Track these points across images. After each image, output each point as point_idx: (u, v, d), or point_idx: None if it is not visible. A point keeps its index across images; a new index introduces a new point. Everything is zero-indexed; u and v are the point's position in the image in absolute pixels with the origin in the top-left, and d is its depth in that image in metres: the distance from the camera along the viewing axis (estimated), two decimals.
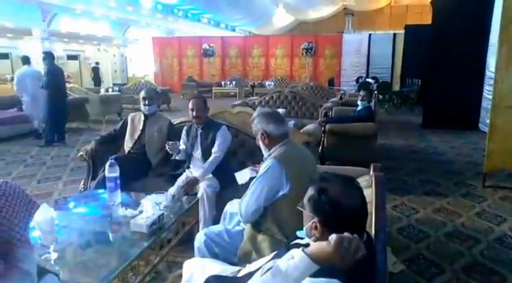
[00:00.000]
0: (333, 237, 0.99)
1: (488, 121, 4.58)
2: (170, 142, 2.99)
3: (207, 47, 16.99)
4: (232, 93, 14.74)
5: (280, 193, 1.81)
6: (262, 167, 1.86)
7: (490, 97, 4.72)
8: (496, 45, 4.74)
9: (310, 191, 1.26)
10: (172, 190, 2.74)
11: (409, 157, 5.86)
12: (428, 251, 2.89)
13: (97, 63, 17.73)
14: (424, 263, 2.72)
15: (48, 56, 6.61)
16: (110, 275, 1.68)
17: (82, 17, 15.21)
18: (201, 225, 2.65)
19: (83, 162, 3.42)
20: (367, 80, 13.12)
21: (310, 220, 1.23)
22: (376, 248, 1.34)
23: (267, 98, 6.95)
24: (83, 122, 8.42)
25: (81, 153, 3.33)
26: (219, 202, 2.76)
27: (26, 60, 7.26)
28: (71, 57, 18.24)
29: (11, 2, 11.70)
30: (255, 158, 3.35)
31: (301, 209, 1.29)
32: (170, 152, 3.02)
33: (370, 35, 15.70)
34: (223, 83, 15.83)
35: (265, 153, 1.98)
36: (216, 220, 2.62)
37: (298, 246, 1.19)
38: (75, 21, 15.25)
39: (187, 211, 2.55)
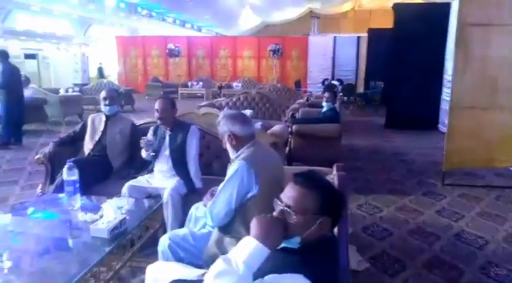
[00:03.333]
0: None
1: (446, 122, 4.78)
2: (146, 138, 2.90)
3: (173, 47, 16.72)
4: (199, 94, 14.60)
5: (249, 194, 1.79)
6: (231, 169, 1.83)
7: (448, 99, 4.93)
8: (452, 49, 4.97)
9: (307, 191, 1.22)
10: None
11: (373, 157, 6.02)
12: (391, 248, 2.96)
13: (100, 63, 17.21)
14: (388, 260, 2.79)
15: (4, 55, 6.26)
16: (71, 281, 1.61)
17: (40, 15, 14.57)
18: (168, 229, 2.58)
19: (40, 165, 3.26)
20: (333, 82, 13.37)
21: (310, 222, 1.20)
22: (338, 246, 1.36)
23: (234, 99, 6.92)
24: (41, 123, 8.04)
25: (38, 155, 3.18)
26: (184, 205, 2.70)
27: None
28: (29, 56, 17.40)
29: None
30: (221, 159, 3.34)
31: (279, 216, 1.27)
32: (143, 148, 2.93)
33: (335, 37, 16.00)
34: (189, 83, 15.63)
35: (232, 155, 1.96)
36: (182, 224, 2.57)
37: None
38: (33, 19, 14.59)
39: (151, 215, 2.48)
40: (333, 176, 1.79)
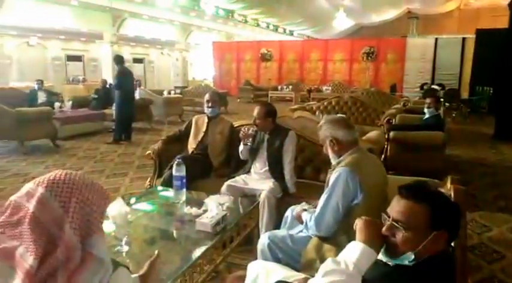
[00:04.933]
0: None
1: None
2: (246, 127, 2.99)
3: (265, 52, 17.14)
4: (288, 98, 14.72)
5: (354, 202, 1.74)
6: (333, 176, 1.80)
7: None
8: None
9: (419, 206, 1.15)
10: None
11: (480, 170, 5.45)
12: (503, 273, 2.65)
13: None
14: None
15: (119, 59, 7.04)
16: (178, 271, 1.71)
17: (148, 22, 16.04)
18: (261, 229, 2.64)
19: (148, 160, 3.57)
20: (433, 86, 12.45)
21: (422, 237, 1.13)
22: (455, 265, 1.26)
23: (325, 103, 6.84)
24: (147, 122, 8.84)
25: (148, 151, 3.48)
26: (278, 207, 2.74)
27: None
28: (137, 61, 19.31)
29: (87, 7, 12.63)
30: (314, 163, 3.32)
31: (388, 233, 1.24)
32: (242, 138, 3.01)
33: (436, 39, 14.89)
34: (279, 87, 15.86)
35: (333, 160, 1.93)
36: (276, 226, 2.61)
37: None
38: (142, 26, 16.12)
39: (248, 214, 2.56)
40: (447, 190, 1.65)
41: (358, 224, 1.22)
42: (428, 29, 19.97)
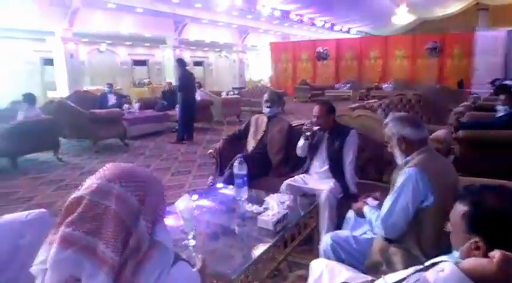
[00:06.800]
0: (496, 254, 0.92)
1: None
2: (308, 121, 2.99)
3: (321, 50, 16.92)
4: (345, 96, 14.40)
5: (424, 204, 1.66)
6: (401, 176, 1.73)
7: None
8: None
9: (462, 207, 1.13)
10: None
11: None
12: None
13: None
14: None
15: (181, 62, 7.35)
16: (241, 267, 1.75)
17: (207, 26, 16.55)
18: (322, 229, 2.62)
19: (209, 158, 3.69)
20: (505, 82, 11.49)
21: (463, 240, 1.10)
22: None
23: (387, 101, 6.58)
24: (207, 122, 9.12)
25: (210, 150, 3.61)
26: (338, 207, 2.70)
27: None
28: (196, 64, 20.01)
29: (150, 13, 13.34)
30: (376, 163, 3.21)
31: (448, 230, 1.18)
32: (304, 130, 2.99)
33: (509, 31, 13.74)
34: (336, 85, 15.56)
35: (400, 160, 1.85)
36: (336, 226, 2.57)
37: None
38: (202, 30, 16.67)
39: (309, 213, 2.55)
40: None
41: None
42: (499, 21, 18.44)
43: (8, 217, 1.60)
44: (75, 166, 5.72)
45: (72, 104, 6.78)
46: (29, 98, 5.89)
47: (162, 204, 1.02)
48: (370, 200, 2.05)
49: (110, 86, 9.00)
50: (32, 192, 4.49)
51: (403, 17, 17.90)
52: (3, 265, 1.44)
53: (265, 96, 3.58)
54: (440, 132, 3.84)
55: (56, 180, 4.98)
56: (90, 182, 0.96)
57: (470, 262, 0.98)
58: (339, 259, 1.87)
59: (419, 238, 1.68)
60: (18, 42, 12.94)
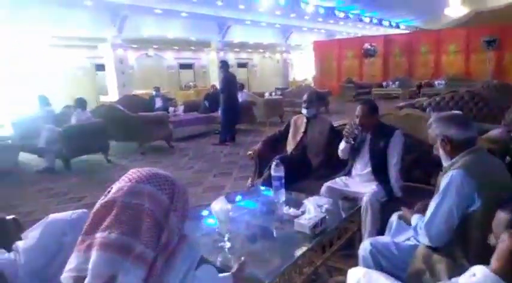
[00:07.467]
0: None
1: None
2: (353, 123, 2.86)
3: (369, 47, 16.39)
4: (394, 94, 13.87)
5: (470, 209, 1.55)
6: (445, 179, 1.62)
7: None
8: None
9: (505, 215, 1.03)
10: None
11: None
12: None
13: None
14: None
15: (225, 65, 7.46)
16: (278, 270, 1.73)
17: (251, 27, 16.67)
18: (364, 234, 2.53)
19: (250, 160, 3.69)
20: None
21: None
22: None
23: (437, 99, 6.22)
24: (250, 123, 9.18)
25: (249, 152, 3.61)
26: (382, 212, 2.59)
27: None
28: (241, 65, 20.24)
29: (194, 17, 13.69)
30: (423, 165, 3.04)
31: (491, 242, 1.08)
32: (347, 135, 2.88)
33: None
34: (384, 83, 15.03)
35: (445, 162, 1.73)
36: (379, 231, 2.46)
37: None
38: (245, 32, 16.82)
39: (349, 218, 2.47)
40: None
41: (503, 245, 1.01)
42: None
43: (54, 216, 1.70)
44: (123, 168, 5.95)
45: (121, 108, 7.09)
46: (81, 103, 6.24)
47: (188, 201, 1.07)
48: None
49: (157, 89, 9.34)
50: (82, 193, 4.74)
51: (456, 9, 16.95)
52: (51, 260, 1.53)
53: (304, 97, 3.53)
54: (496, 132, 3.59)
55: (104, 181, 5.21)
56: (119, 186, 1.00)
57: (501, 261, 0.96)
58: (379, 267, 1.78)
59: (466, 246, 1.55)
60: (73, 50, 13.79)
